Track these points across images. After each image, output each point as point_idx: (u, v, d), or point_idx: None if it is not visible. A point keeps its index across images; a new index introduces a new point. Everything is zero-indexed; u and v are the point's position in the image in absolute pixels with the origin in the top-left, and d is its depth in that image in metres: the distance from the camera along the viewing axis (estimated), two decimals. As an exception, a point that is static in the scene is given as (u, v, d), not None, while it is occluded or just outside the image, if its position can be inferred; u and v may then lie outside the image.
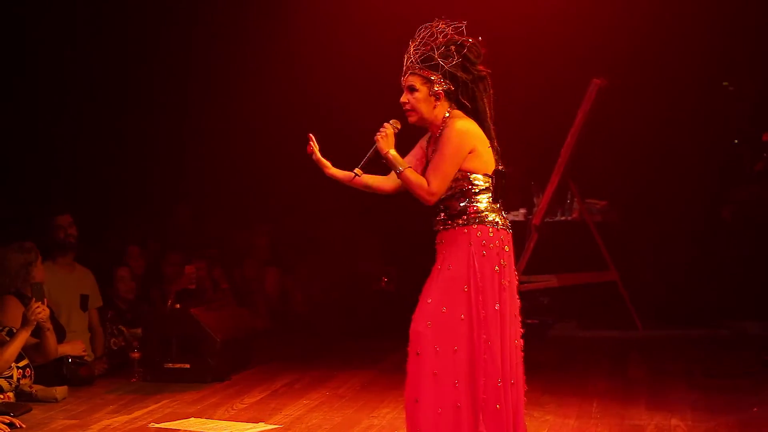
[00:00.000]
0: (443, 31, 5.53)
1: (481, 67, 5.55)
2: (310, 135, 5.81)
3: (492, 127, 5.57)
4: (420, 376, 5.36)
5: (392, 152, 5.54)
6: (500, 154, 5.59)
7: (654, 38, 12.38)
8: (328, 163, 5.81)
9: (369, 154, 5.60)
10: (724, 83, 13.86)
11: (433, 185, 5.43)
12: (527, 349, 5.60)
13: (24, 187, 11.68)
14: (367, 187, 5.78)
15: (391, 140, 5.59)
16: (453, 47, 5.50)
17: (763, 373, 8.79)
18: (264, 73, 12.73)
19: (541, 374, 8.61)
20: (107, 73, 12.39)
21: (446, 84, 5.50)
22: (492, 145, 5.54)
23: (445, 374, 5.33)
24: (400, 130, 5.63)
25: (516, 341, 5.51)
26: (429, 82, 5.51)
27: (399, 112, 5.70)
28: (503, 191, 5.54)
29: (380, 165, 5.62)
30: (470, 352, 5.35)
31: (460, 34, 5.56)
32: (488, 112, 5.57)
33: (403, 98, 5.58)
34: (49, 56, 11.96)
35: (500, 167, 5.53)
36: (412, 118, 5.60)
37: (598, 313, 12.20)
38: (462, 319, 5.35)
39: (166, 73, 12.66)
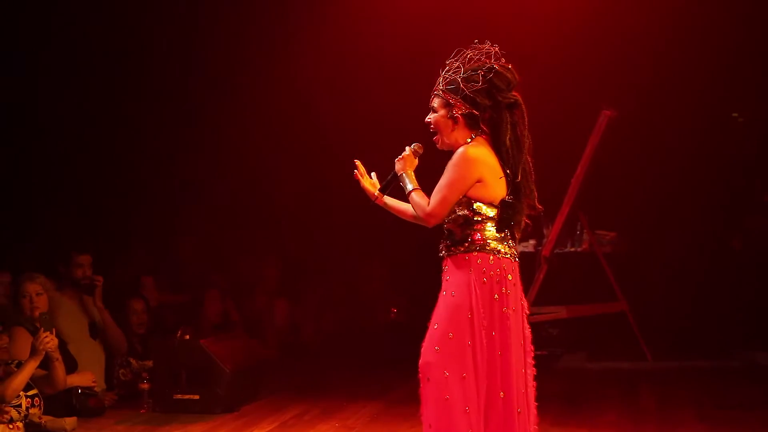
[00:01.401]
0: (475, 56, 5.54)
1: (513, 94, 5.51)
2: (357, 161, 5.83)
3: (517, 156, 5.49)
4: (431, 402, 5.35)
5: (408, 172, 5.59)
6: (529, 188, 5.55)
7: (663, 69, 12.41)
8: (373, 185, 5.85)
9: (389, 177, 5.67)
10: (734, 114, 13.88)
11: (430, 207, 5.45)
12: (536, 380, 5.58)
13: (25, 217, 11.71)
14: (394, 210, 5.83)
15: (409, 162, 5.66)
16: (481, 72, 5.49)
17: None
18: (271, 101, 12.74)
19: (551, 405, 8.58)
20: (109, 98, 12.41)
21: (466, 108, 5.49)
22: (508, 174, 5.48)
23: (456, 400, 5.31)
24: (421, 155, 5.67)
25: (525, 370, 5.50)
26: (449, 106, 5.53)
27: (406, 135, 5.74)
28: (509, 222, 5.50)
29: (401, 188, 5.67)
30: (475, 378, 5.34)
31: (494, 57, 5.54)
32: (514, 141, 5.49)
33: (427, 119, 5.62)
34: (46, 84, 12.00)
35: (508, 198, 5.49)
36: (438, 143, 5.62)
37: (608, 345, 12.16)
38: (469, 345, 5.34)
39: (166, 96, 12.64)
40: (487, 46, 5.57)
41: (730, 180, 13.18)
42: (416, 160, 5.70)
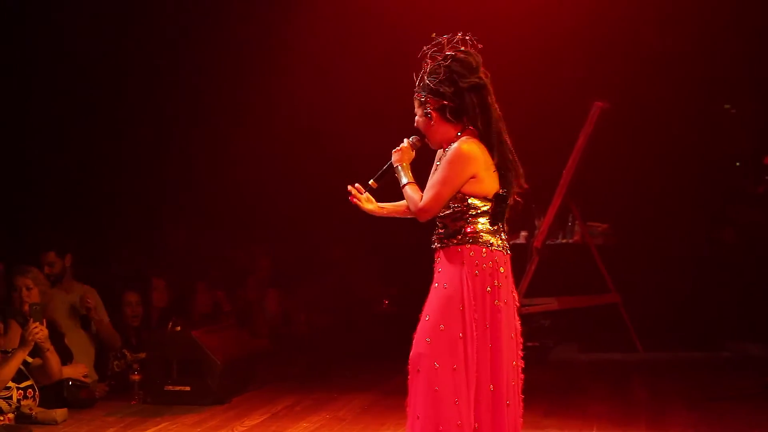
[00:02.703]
0: (442, 50, 5.52)
1: (477, 77, 5.44)
2: (350, 188, 5.79)
3: (500, 139, 5.46)
4: (421, 393, 5.34)
5: (404, 165, 5.60)
6: (513, 169, 5.50)
7: (656, 61, 12.43)
8: (369, 200, 5.82)
9: (385, 167, 5.67)
10: (726, 106, 13.90)
11: (423, 203, 5.43)
12: (528, 372, 5.58)
13: (18, 210, 11.70)
14: (397, 213, 5.82)
15: (406, 155, 5.65)
16: (442, 63, 5.47)
17: (764, 396, 8.76)
18: (264, 94, 12.75)
19: (542, 397, 8.60)
20: (107, 95, 12.42)
21: (436, 102, 5.48)
22: (498, 164, 5.46)
23: (446, 391, 5.31)
24: (419, 148, 5.66)
25: (515, 363, 5.50)
26: (422, 104, 5.54)
27: (399, 131, 5.73)
28: (502, 215, 5.50)
29: (395, 180, 5.65)
30: (465, 370, 5.33)
31: (457, 44, 5.51)
32: (489, 125, 5.44)
33: (415, 124, 5.64)
34: (42, 80, 11.99)
35: (502, 191, 5.48)
36: (430, 144, 5.63)
37: (599, 336, 12.19)
38: (460, 337, 5.34)
39: (165, 94, 12.68)
40: (448, 37, 5.53)
41: (722, 172, 13.20)
42: (413, 153, 5.67)
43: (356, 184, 5.79)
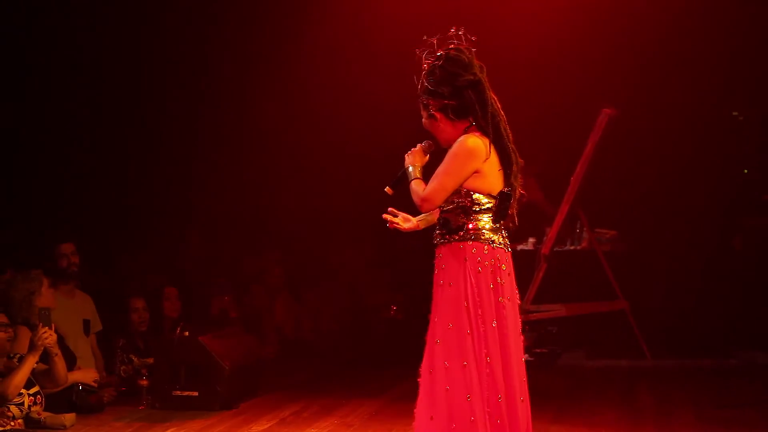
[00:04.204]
0: (430, 51, 5.55)
1: (471, 73, 5.47)
2: (385, 216, 5.80)
3: (499, 133, 5.48)
4: (433, 393, 5.37)
5: (415, 166, 5.61)
6: (515, 162, 5.51)
7: (664, 68, 12.44)
8: (414, 222, 5.85)
9: (399, 173, 5.68)
10: (734, 113, 13.89)
11: (425, 192, 5.44)
12: (536, 379, 5.59)
13: (32, 213, 11.72)
14: (431, 222, 5.83)
15: (419, 157, 5.66)
16: (435, 62, 5.51)
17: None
18: (276, 101, 12.79)
19: (550, 403, 8.60)
20: (117, 95, 12.45)
21: (437, 103, 5.51)
22: (503, 160, 5.49)
23: (457, 389, 5.32)
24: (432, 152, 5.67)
25: (523, 359, 5.53)
26: (425, 107, 5.57)
27: (414, 140, 5.74)
28: (505, 213, 5.50)
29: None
30: (475, 366, 5.35)
31: (450, 40, 5.54)
32: (489, 121, 5.46)
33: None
34: (56, 84, 12.03)
35: (506, 189, 5.50)
36: (440, 144, 5.65)
37: (607, 343, 12.18)
38: (468, 334, 5.36)
39: (176, 98, 12.71)
40: (438, 37, 5.55)
41: (730, 179, 13.19)
42: (427, 157, 5.69)
43: (389, 209, 5.80)
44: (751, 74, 12.59)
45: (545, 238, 11.90)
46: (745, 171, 13.72)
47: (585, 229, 12.41)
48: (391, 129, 9.10)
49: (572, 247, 13.01)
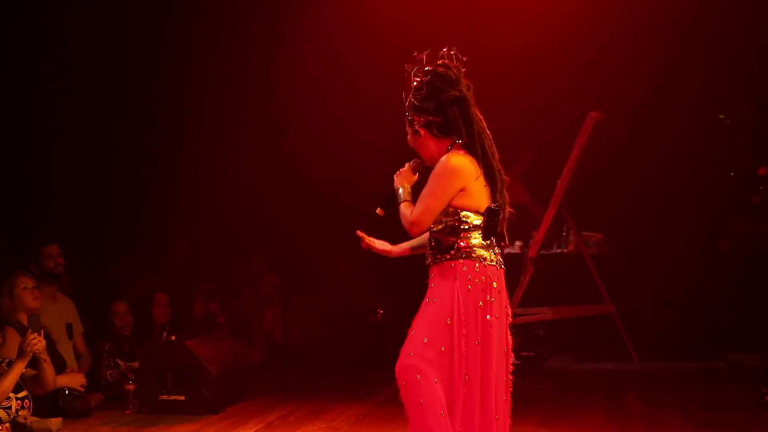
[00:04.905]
0: (419, 67, 5.54)
1: (457, 89, 5.45)
2: (358, 232, 5.90)
3: (484, 151, 5.46)
4: (409, 406, 5.37)
5: (405, 187, 5.60)
6: (500, 180, 5.51)
7: (650, 71, 12.44)
8: (388, 248, 5.93)
9: (389, 194, 5.67)
10: (721, 116, 13.89)
11: (413, 216, 5.42)
12: (522, 382, 5.59)
13: (18, 218, 11.70)
14: (415, 249, 5.86)
15: (407, 177, 5.65)
16: (423, 79, 5.50)
17: (760, 407, 8.76)
18: (263, 104, 12.78)
19: (537, 407, 8.61)
20: (105, 101, 12.44)
21: (422, 119, 5.49)
22: (488, 177, 5.48)
23: (430, 404, 5.31)
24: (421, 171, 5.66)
25: (505, 378, 5.50)
26: (410, 123, 5.56)
27: (406, 150, 5.74)
28: (495, 229, 5.48)
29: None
30: (450, 384, 5.34)
31: (442, 58, 5.54)
32: (474, 137, 5.44)
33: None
34: (43, 87, 12.01)
35: (493, 205, 5.48)
36: (425, 162, 5.63)
37: (594, 346, 12.18)
38: (442, 351, 5.33)
39: (164, 101, 12.71)
40: (428, 53, 5.55)
41: (717, 182, 13.19)
42: (415, 176, 5.67)
43: (356, 231, 5.84)
44: (738, 77, 12.60)
45: (532, 241, 11.90)
46: (732, 174, 13.72)
47: (572, 232, 12.42)
48: (381, 135, 9.09)
49: (559, 251, 13.02)
